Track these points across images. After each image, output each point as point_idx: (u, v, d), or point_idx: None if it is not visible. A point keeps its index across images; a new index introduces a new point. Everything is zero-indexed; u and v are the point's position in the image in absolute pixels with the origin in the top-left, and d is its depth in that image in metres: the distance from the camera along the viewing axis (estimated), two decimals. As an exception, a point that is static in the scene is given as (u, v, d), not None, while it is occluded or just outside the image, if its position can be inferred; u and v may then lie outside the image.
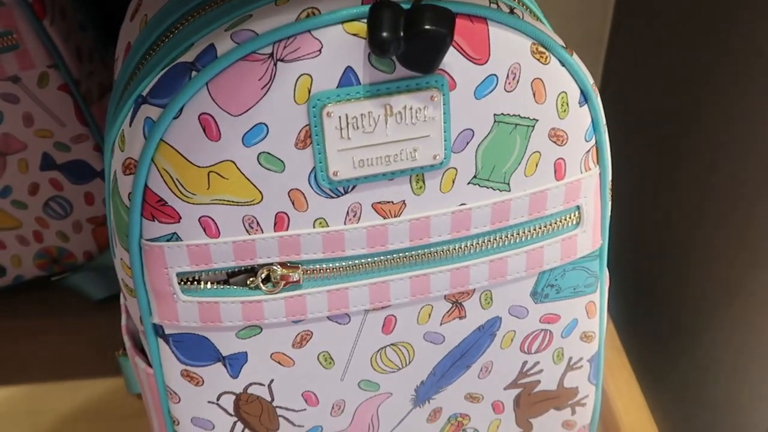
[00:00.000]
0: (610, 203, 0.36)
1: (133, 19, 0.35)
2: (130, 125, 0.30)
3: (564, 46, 0.31)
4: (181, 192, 0.30)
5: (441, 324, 0.35)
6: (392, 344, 0.35)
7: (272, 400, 0.36)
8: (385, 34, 0.27)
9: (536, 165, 0.33)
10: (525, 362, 0.38)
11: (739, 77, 0.45)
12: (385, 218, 0.32)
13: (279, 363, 0.35)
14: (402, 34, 0.27)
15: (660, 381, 0.54)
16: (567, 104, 0.32)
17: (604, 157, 0.34)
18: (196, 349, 0.34)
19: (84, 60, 0.52)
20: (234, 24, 0.29)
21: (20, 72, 0.49)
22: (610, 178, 0.35)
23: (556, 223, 0.34)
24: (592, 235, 0.35)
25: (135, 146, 0.30)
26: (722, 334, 0.47)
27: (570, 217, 0.34)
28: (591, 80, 0.32)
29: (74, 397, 0.53)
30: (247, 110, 0.29)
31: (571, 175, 0.34)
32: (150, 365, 0.35)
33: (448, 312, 0.35)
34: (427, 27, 0.27)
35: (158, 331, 0.33)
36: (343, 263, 0.33)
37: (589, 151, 0.33)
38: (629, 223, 0.59)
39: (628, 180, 0.59)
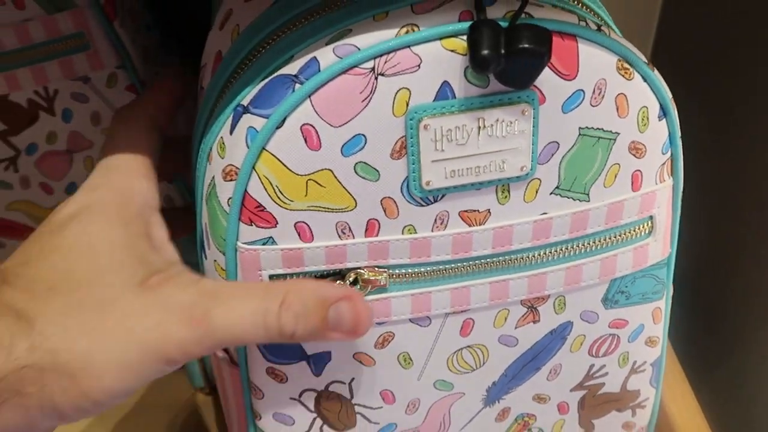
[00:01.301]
0: (679, 212, 0.37)
1: (223, 27, 0.37)
2: (231, 133, 0.31)
3: (647, 62, 0.32)
4: (279, 198, 0.31)
5: (516, 327, 0.37)
6: (468, 346, 0.37)
7: (351, 397, 0.37)
8: (486, 51, 0.28)
9: (615, 176, 0.34)
10: (592, 365, 0.39)
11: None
12: (470, 226, 0.33)
13: (361, 362, 0.36)
14: (503, 51, 0.28)
15: (710, 383, 0.55)
16: (647, 118, 0.33)
17: (678, 168, 0.35)
18: (282, 348, 0.35)
19: (150, 60, 0.53)
20: (335, 38, 0.30)
21: (90, 72, 0.50)
22: (681, 188, 0.36)
23: (630, 233, 0.35)
24: (662, 244, 0.37)
25: (236, 154, 0.31)
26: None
27: (643, 227, 0.36)
28: (669, 95, 0.33)
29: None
30: (348, 122, 0.30)
31: (647, 187, 0.35)
32: (234, 363, 0.37)
33: (523, 316, 0.36)
34: (527, 46, 0.28)
35: (246, 329, 0.35)
36: (428, 268, 0.34)
37: (664, 163, 0.35)
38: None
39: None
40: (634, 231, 0.36)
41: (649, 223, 0.36)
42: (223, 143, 0.32)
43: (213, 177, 0.32)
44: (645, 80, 0.32)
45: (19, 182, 0.53)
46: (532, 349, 0.38)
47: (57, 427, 0.30)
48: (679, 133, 0.34)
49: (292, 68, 0.30)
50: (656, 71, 0.33)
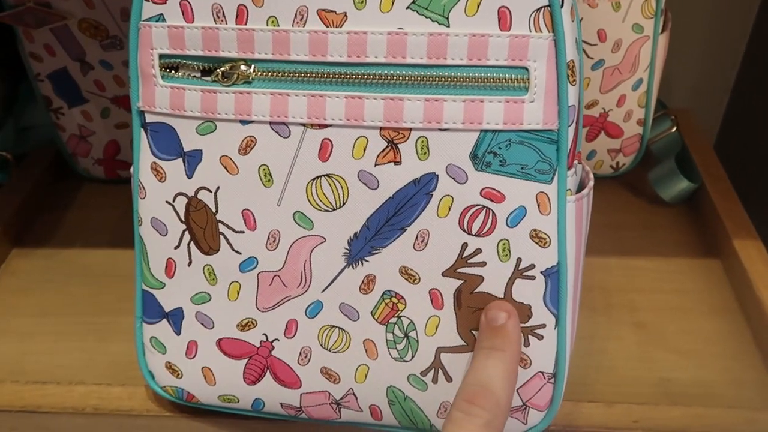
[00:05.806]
0: (573, 86, 0.35)
1: None
2: None
3: None
4: (170, -25, 0.36)
5: (375, 164, 0.36)
6: (327, 175, 0.37)
7: (216, 211, 0.38)
8: None
9: (477, 6, 0.34)
10: (465, 244, 0.36)
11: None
12: (327, 26, 0.35)
13: (226, 169, 0.37)
14: None
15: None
16: None
17: (559, 24, 0.34)
18: (165, 140, 0.38)
19: None
20: None
21: None
22: (571, 58, 0.35)
23: (499, 79, 0.34)
24: (543, 110, 0.35)
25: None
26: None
27: (517, 79, 0.34)
28: None
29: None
30: None
31: (518, 29, 0.34)
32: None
33: (383, 151, 0.36)
34: None
35: (142, 121, 0.39)
36: (288, 68, 0.36)
37: (540, 9, 0.34)
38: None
39: None
40: (505, 80, 0.34)
41: (525, 77, 0.35)
42: None
43: None
44: None
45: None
46: (394, 198, 0.36)
47: None
48: None
49: None
50: None
